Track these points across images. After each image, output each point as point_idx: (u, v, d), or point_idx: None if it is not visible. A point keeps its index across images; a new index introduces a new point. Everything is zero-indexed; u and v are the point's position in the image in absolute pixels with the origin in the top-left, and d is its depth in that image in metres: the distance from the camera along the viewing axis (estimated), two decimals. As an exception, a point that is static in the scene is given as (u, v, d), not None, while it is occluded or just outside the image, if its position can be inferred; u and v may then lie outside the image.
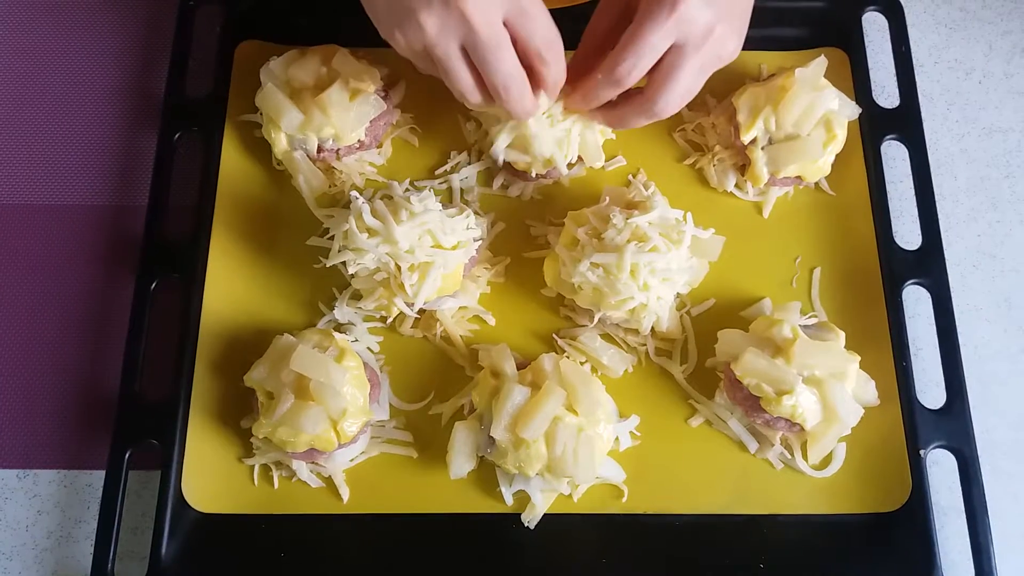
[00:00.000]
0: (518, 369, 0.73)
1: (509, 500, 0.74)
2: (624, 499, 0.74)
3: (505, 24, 0.65)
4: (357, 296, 0.78)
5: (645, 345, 0.78)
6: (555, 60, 0.70)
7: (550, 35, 0.69)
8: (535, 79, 0.70)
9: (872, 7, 0.89)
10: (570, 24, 0.86)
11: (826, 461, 0.75)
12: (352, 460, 0.75)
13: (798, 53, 0.87)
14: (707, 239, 0.77)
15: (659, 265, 0.72)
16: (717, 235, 0.77)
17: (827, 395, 0.71)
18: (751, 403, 0.73)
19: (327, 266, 0.75)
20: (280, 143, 0.81)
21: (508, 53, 0.66)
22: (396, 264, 0.72)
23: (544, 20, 0.68)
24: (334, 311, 0.78)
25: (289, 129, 0.79)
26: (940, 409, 0.76)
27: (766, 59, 0.88)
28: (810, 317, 0.78)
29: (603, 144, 0.82)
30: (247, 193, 0.83)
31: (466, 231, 0.75)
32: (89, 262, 0.83)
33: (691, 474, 0.75)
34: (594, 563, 0.73)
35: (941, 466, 0.76)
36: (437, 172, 0.84)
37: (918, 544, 0.72)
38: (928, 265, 0.80)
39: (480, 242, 0.78)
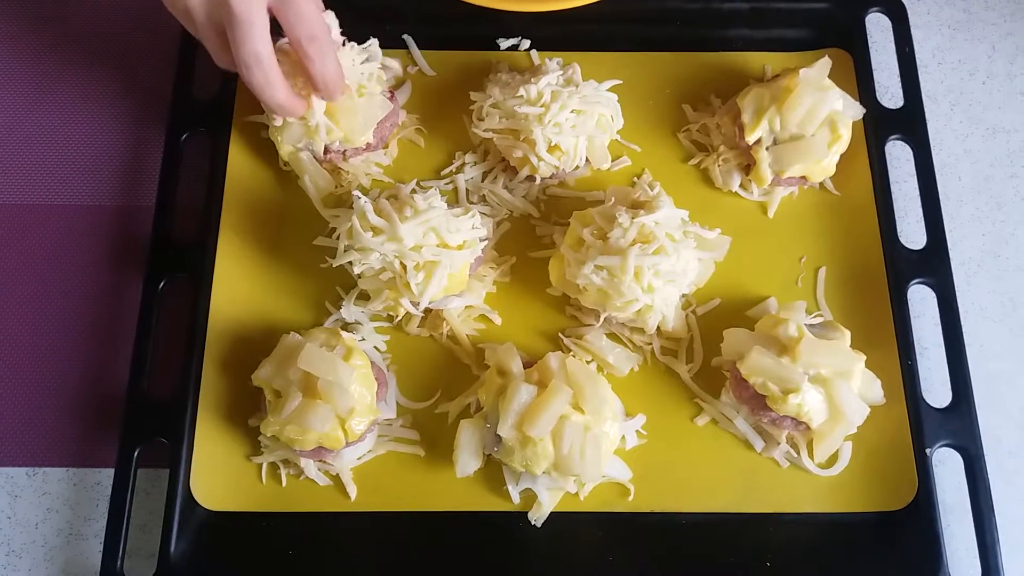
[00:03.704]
0: (524, 368, 0.74)
1: (516, 498, 0.74)
2: (630, 497, 0.74)
3: (271, 10, 0.67)
4: (364, 296, 0.78)
5: (651, 344, 0.79)
6: (319, 55, 0.70)
7: (313, 30, 0.69)
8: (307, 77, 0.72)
9: (876, 8, 0.89)
10: (570, 26, 0.87)
11: (832, 460, 0.75)
12: (359, 458, 0.75)
13: (802, 54, 0.88)
14: (712, 239, 0.77)
15: (663, 267, 0.72)
16: (722, 235, 0.78)
17: (833, 394, 0.71)
18: (757, 402, 0.73)
19: (334, 266, 0.75)
20: (286, 144, 0.81)
21: (256, 33, 0.67)
22: (401, 263, 0.73)
23: (310, 13, 0.68)
24: (341, 310, 0.79)
25: (294, 140, 0.80)
26: (946, 408, 0.76)
27: (770, 60, 0.88)
28: (815, 316, 0.78)
29: (608, 145, 0.82)
30: (254, 193, 0.83)
31: (472, 231, 0.75)
32: (97, 262, 0.83)
33: (697, 473, 0.75)
34: (600, 561, 0.73)
35: (947, 465, 0.76)
36: (443, 173, 0.85)
37: (924, 543, 0.72)
38: (933, 264, 0.80)
39: (486, 242, 0.78)
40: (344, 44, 0.79)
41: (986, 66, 0.92)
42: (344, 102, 0.78)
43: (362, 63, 0.80)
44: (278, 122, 0.79)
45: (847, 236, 0.82)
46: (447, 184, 0.84)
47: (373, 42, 0.83)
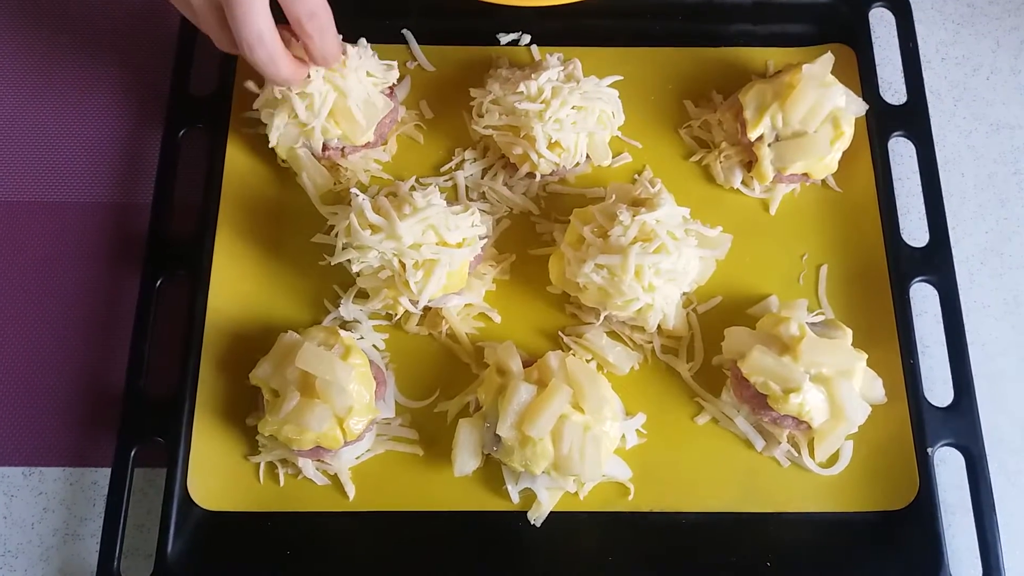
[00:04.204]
0: (524, 367, 0.73)
1: (515, 498, 0.73)
2: (630, 497, 0.74)
3: None
4: (363, 294, 0.78)
5: (651, 343, 0.78)
6: (318, 32, 0.70)
7: (313, 7, 0.69)
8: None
9: (879, 3, 0.89)
10: (571, 21, 0.86)
11: (833, 459, 0.75)
12: (358, 458, 0.75)
13: (805, 49, 0.87)
14: (714, 237, 0.77)
15: (664, 266, 0.72)
16: (724, 233, 0.77)
17: (834, 393, 0.71)
18: (758, 401, 0.72)
19: (332, 264, 0.75)
20: (283, 144, 0.80)
21: (256, 12, 0.66)
22: (400, 262, 0.72)
23: None
24: (339, 308, 0.78)
25: (291, 141, 0.79)
26: (948, 407, 0.75)
27: (773, 55, 0.87)
28: (817, 314, 0.77)
29: (609, 141, 0.82)
30: (252, 190, 0.83)
31: (471, 228, 0.75)
32: (94, 260, 0.83)
33: (697, 472, 0.75)
34: (600, 561, 0.73)
35: (948, 464, 0.76)
36: (442, 169, 0.84)
37: (925, 542, 0.72)
38: (935, 262, 0.79)
39: (486, 239, 0.77)
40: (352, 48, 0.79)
41: (990, 61, 0.91)
42: (344, 105, 0.78)
43: (371, 74, 0.80)
44: (272, 141, 0.79)
45: (849, 233, 0.82)
46: (446, 181, 0.83)
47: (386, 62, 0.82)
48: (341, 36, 0.79)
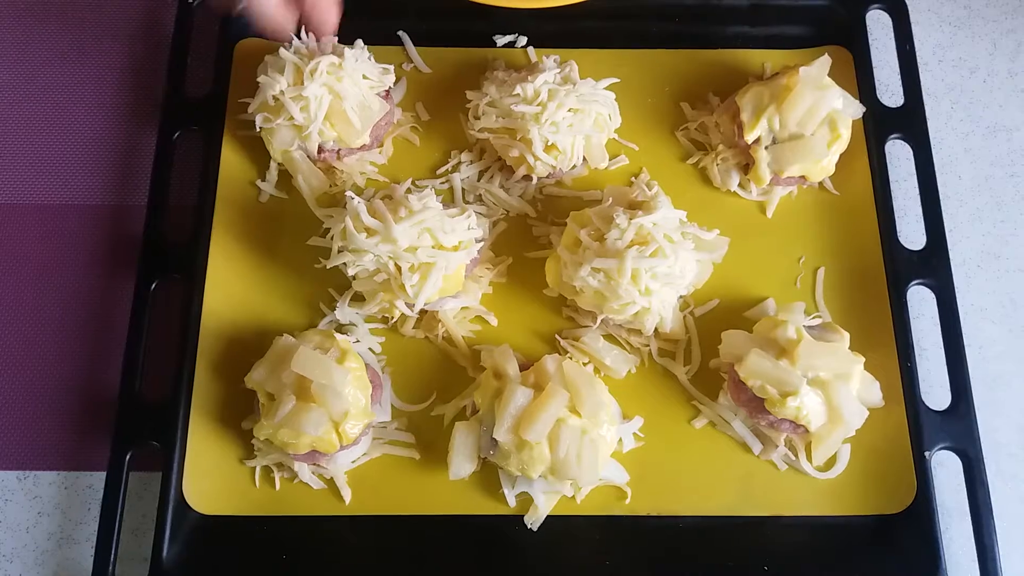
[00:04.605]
0: (520, 370, 0.73)
1: (512, 502, 0.73)
2: (627, 501, 0.74)
3: None
4: (359, 297, 0.77)
5: (648, 346, 0.78)
6: None
7: None
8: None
9: (876, 5, 0.88)
10: (568, 22, 0.86)
11: (830, 463, 0.74)
12: (354, 461, 0.74)
13: (802, 52, 0.87)
14: (711, 240, 0.77)
15: (661, 270, 0.71)
16: (721, 236, 0.77)
17: (832, 396, 0.71)
18: (755, 404, 0.72)
19: (327, 268, 0.74)
20: (278, 147, 0.80)
21: None
22: (396, 265, 0.72)
23: None
24: (335, 312, 0.78)
25: (286, 144, 0.79)
26: (945, 410, 0.75)
27: (770, 58, 0.87)
28: (814, 318, 0.77)
29: (605, 144, 0.81)
30: (247, 192, 0.82)
31: (467, 231, 0.74)
32: (89, 263, 0.82)
33: (694, 476, 0.75)
34: (597, 565, 0.72)
35: (946, 467, 0.76)
36: (439, 172, 0.84)
37: (922, 546, 0.72)
38: (933, 265, 0.79)
39: (482, 242, 0.77)
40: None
41: (987, 64, 0.91)
42: (339, 108, 0.77)
43: (367, 76, 0.80)
44: (274, 155, 0.79)
45: (846, 236, 0.81)
46: (442, 183, 0.83)
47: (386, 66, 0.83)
48: (337, 39, 0.79)
